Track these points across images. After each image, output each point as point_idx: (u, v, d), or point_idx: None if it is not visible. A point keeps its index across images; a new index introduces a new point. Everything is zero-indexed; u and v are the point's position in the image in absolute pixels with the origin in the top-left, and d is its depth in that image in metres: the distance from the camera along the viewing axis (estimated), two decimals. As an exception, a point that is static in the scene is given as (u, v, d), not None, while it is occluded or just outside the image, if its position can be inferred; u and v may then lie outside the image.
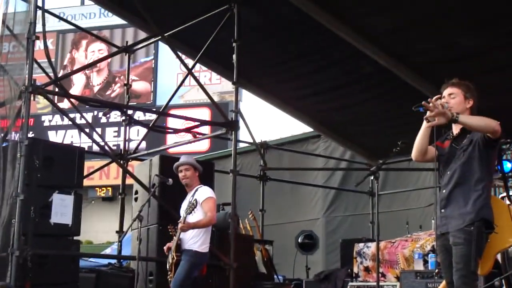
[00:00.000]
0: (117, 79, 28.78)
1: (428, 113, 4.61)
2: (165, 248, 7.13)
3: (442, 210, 4.69)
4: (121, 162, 10.36)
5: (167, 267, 7.03)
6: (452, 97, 4.73)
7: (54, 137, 27.39)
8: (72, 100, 10.43)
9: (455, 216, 4.58)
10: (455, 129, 4.81)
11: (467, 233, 4.46)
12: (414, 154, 4.86)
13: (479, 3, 8.04)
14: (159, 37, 9.84)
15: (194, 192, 6.97)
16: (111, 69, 29.16)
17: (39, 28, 7.98)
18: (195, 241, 6.85)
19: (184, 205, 7.07)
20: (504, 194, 7.61)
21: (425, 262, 7.78)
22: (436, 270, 7.16)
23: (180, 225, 6.69)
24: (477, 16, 8.27)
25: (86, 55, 29.35)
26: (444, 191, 4.71)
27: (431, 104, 4.57)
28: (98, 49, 29.00)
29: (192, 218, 6.77)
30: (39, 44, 8.33)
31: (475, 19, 8.34)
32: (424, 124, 4.72)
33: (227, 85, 24.05)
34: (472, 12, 8.24)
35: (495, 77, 8.82)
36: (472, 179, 4.59)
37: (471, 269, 4.42)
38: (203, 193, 6.96)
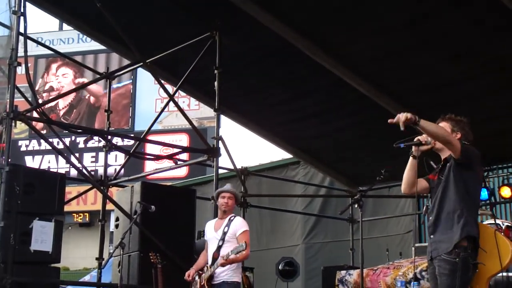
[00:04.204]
0: (81, 102, 28.70)
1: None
2: (188, 276, 7.00)
3: (432, 236, 4.80)
4: (102, 188, 10.29)
5: None
6: None
7: (31, 162, 27.22)
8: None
9: (443, 240, 4.67)
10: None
11: (452, 264, 4.54)
12: (402, 186, 5.01)
13: (455, 36, 8.20)
14: (141, 63, 9.83)
15: (229, 222, 6.85)
16: (79, 94, 28.98)
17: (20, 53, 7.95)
18: (233, 273, 6.74)
19: (211, 230, 6.95)
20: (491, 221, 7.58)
21: (407, 290, 7.79)
22: (418, 298, 7.22)
23: (221, 261, 6.55)
24: (454, 47, 8.45)
25: (57, 79, 29.29)
26: (430, 218, 4.85)
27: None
28: (62, 74, 28.99)
29: (227, 250, 6.63)
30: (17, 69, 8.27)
31: (452, 50, 8.51)
32: (410, 159, 4.88)
33: (205, 111, 24.12)
34: (449, 44, 8.41)
35: (472, 106, 8.94)
36: (451, 201, 4.72)
37: None
38: (239, 225, 6.81)
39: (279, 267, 11.73)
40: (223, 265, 6.52)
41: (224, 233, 6.73)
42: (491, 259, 4.66)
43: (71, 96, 28.79)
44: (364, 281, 8.12)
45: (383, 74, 9.43)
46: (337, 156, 12.27)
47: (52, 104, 26.33)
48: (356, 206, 7.16)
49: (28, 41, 8.53)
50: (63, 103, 29.22)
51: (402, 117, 4.54)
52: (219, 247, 6.70)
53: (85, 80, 26.08)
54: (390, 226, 13.36)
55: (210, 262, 6.73)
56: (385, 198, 13.20)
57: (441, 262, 4.62)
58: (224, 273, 6.65)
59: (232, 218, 6.87)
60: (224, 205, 6.93)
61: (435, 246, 4.72)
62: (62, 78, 29.14)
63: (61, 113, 29.08)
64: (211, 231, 6.95)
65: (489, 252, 4.67)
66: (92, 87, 26.35)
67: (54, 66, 29.63)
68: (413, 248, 10.17)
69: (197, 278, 6.79)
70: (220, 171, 10.70)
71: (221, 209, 6.96)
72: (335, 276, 9.04)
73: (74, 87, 28.13)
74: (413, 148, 4.81)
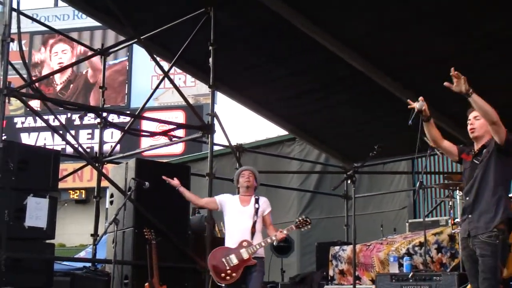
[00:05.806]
0: (78, 78, 28.61)
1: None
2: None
3: (469, 216, 5.07)
4: (97, 165, 10.29)
5: (227, 268, 6.72)
6: (477, 119, 5.15)
7: (27, 139, 27.17)
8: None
9: (483, 220, 4.96)
10: (476, 146, 5.20)
11: (493, 246, 4.87)
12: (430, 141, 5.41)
13: (450, 10, 8.15)
14: (135, 39, 9.79)
15: (257, 200, 7.01)
16: (75, 70, 28.81)
17: (13, 29, 7.91)
18: (263, 250, 6.93)
19: (236, 203, 7.06)
20: None
21: (400, 265, 7.79)
22: (411, 273, 7.27)
23: (281, 235, 6.76)
24: (449, 21, 8.39)
25: (50, 56, 29.15)
26: (468, 198, 5.13)
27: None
28: (61, 50, 28.84)
29: (260, 225, 6.92)
30: (12, 46, 8.23)
31: (447, 24, 8.46)
32: (424, 123, 5.16)
33: (201, 88, 24.07)
34: (444, 18, 8.35)
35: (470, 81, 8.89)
36: (490, 186, 4.99)
37: (498, 279, 4.89)
38: (267, 205, 7.08)
39: (274, 243, 11.75)
40: (283, 239, 6.84)
41: (257, 209, 6.95)
42: None
43: (69, 72, 28.66)
44: (358, 256, 8.17)
45: (378, 49, 9.37)
46: (333, 132, 12.28)
47: (48, 78, 26.16)
48: (349, 182, 7.19)
49: (23, 18, 8.50)
50: (60, 79, 29.09)
51: (459, 82, 4.92)
52: (254, 222, 6.88)
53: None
54: (385, 202, 13.39)
55: (247, 236, 6.80)
56: (380, 174, 13.24)
57: (482, 244, 4.90)
58: (260, 250, 6.83)
59: (258, 197, 7.11)
60: (246, 181, 7.12)
61: (474, 225, 4.99)
62: (61, 54, 29.01)
63: (58, 88, 28.95)
64: (237, 204, 7.08)
65: None
66: (95, 59, 25.85)
67: (50, 43, 29.46)
68: (407, 224, 10.24)
69: (232, 255, 6.73)
70: (216, 148, 10.73)
71: (243, 185, 7.15)
72: (328, 252, 9.08)
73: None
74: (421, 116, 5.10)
